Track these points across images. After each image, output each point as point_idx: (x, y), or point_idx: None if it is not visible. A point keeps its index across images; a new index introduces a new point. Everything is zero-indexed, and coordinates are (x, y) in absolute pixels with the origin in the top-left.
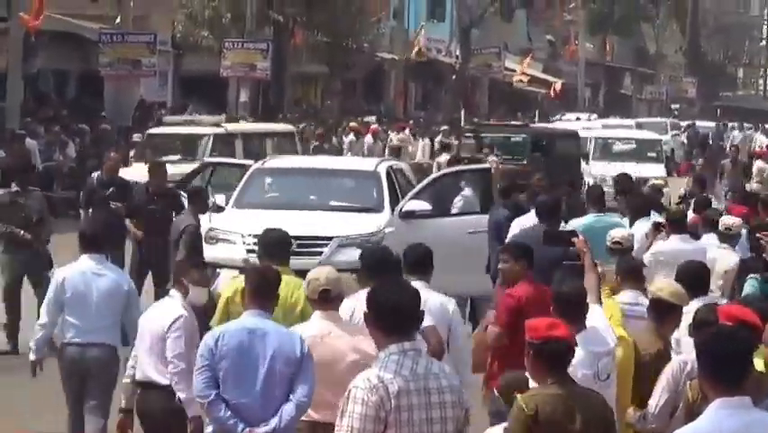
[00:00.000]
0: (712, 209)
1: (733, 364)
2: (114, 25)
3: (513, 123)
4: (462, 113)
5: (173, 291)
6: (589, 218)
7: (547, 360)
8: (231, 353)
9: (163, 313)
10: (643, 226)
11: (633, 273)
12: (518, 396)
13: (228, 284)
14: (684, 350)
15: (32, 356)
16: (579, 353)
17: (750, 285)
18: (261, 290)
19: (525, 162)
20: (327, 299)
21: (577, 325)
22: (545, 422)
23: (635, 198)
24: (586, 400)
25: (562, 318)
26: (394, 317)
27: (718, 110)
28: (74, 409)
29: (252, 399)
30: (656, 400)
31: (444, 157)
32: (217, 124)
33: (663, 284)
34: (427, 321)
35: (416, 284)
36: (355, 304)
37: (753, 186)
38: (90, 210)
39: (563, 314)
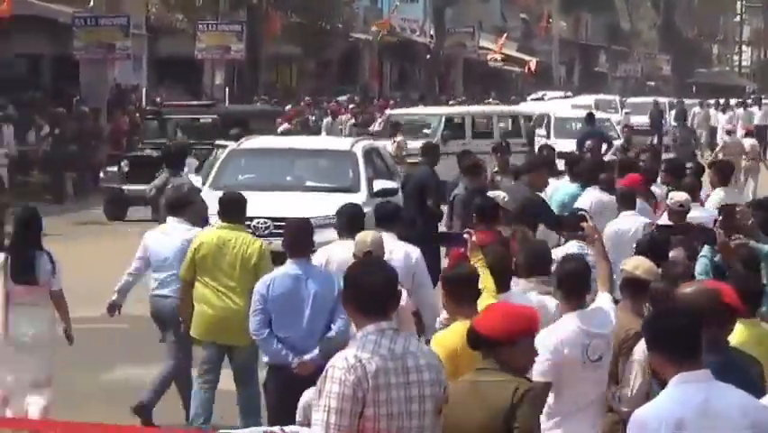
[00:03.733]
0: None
1: (685, 338)
2: (88, 9)
3: (200, 102)
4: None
5: None
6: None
7: (473, 347)
8: (279, 297)
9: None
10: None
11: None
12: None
13: (195, 239)
14: None
15: None
16: (568, 330)
17: (701, 263)
18: (298, 241)
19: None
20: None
21: (576, 302)
22: (445, 411)
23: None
24: (490, 391)
25: (564, 294)
26: (371, 298)
27: (693, 87)
28: None
29: (299, 333)
30: (632, 383)
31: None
32: None
33: (638, 262)
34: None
35: (385, 235)
36: (327, 254)
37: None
38: None
39: (565, 290)
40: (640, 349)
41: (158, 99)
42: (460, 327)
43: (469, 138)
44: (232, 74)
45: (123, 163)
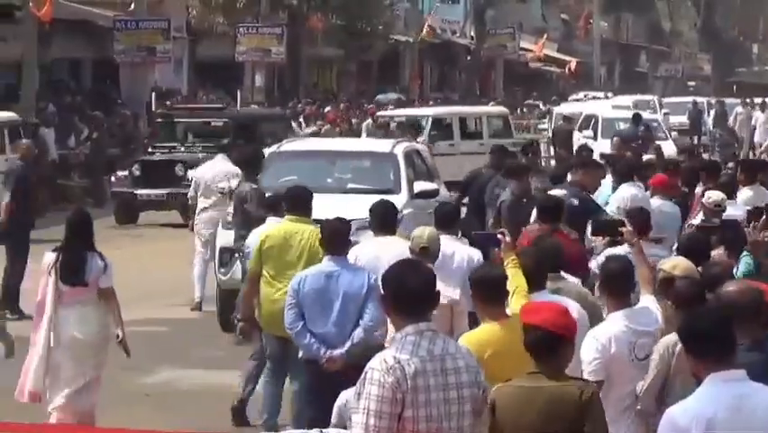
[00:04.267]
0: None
1: (718, 338)
2: (129, 12)
3: (211, 105)
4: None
5: None
6: None
7: (528, 347)
8: (311, 293)
9: None
10: None
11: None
12: (495, 387)
13: (262, 233)
14: None
15: None
16: (614, 329)
17: (744, 263)
18: (334, 239)
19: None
20: (426, 254)
21: (621, 301)
22: (498, 417)
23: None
24: (551, 397)
25: (609, 294)
26: (410, 300)
27: (734, 86)
28: None
29: (330, 328)
30: (644, 380)
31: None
32: None
33: (676, 262)
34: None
35: (445, 237)
36: (357, 252)
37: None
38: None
39: (609, 289)
40: (659, 347)
41: (168, 102)
42: (488, 328)
43: (457, 139)
44: (272, 76)
45: (134, 168)
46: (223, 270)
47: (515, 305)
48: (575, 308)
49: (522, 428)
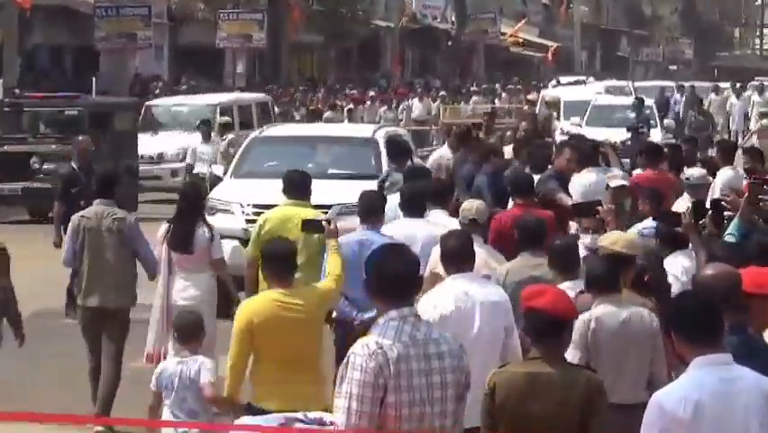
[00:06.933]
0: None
1: (705, 321)
2: None
3: (64, 94)
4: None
5: None
6: None
7: (529, 332)
8: (345, 258)
9: None
10: None
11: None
12: (493, 371)
13: (261, 216)
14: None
15: None
16: None
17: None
18: (369, 210)
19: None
20: (474, 225)
21: (566, 275)
22: (499, 402)
23: None
24: (557, 383)
25: (557, 269)
26: (394, 285)
27: (715, 70)
28: None
29: (361, 293)
30: (569, 360)
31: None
32: None
33: (616, 237)
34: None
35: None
36: (392, 231)
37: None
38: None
39: (556, 264)
40: (577, 327)
41: (16, 91)
42: (271, 295)
43: (236, 126)
44: (253, 62)
45: None
46: None
47: (325, 285)
48: None
49: (526, 414)
